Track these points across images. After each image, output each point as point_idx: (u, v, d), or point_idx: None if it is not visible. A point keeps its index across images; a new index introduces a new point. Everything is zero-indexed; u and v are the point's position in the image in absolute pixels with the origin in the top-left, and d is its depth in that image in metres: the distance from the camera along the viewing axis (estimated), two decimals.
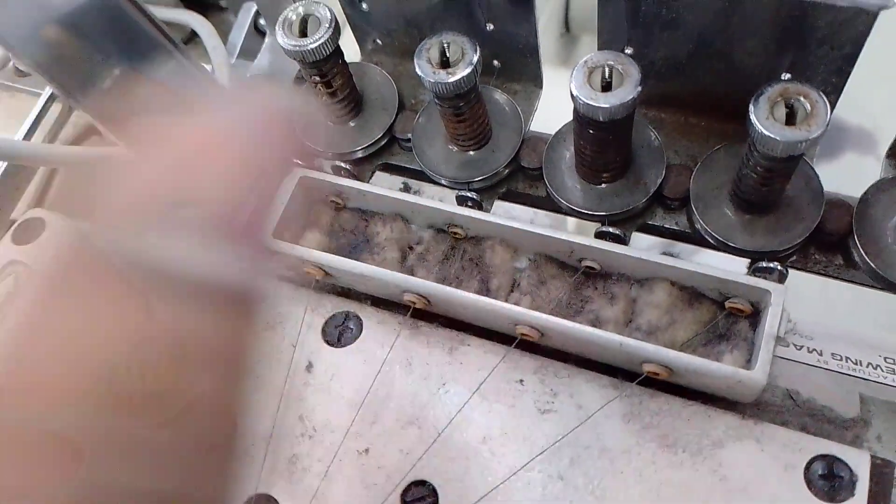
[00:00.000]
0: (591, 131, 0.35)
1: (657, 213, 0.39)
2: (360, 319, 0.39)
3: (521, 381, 0.36)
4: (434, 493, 0.35)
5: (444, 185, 0.41)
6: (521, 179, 0.41)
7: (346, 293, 0.41)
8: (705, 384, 0.34)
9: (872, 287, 0.36)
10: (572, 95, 0.33)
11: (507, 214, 0.38)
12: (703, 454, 0.33)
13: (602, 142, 0.35)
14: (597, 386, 0.36)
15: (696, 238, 0.38)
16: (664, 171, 0.38)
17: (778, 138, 0.30)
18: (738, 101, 0.32)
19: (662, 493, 0.33)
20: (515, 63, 0.42)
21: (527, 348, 0.37)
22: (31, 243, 0.45)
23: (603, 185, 0.38)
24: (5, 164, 0.45)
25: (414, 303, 0.37)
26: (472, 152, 0.40)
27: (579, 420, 0.35)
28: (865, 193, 0.36)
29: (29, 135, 0.47)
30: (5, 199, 0.47)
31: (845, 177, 0.39)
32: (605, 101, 0.32)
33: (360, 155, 0.43)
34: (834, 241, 0.36)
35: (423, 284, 0.36)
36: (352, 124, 0.43)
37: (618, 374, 0.36)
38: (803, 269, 0.37)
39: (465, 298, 0.35)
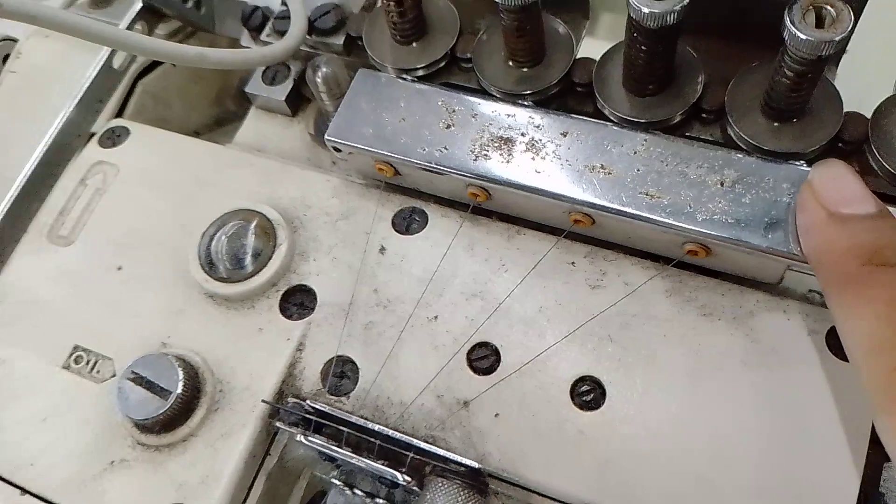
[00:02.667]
0: (642, 40, 0.39)
1: (694, 125, 0.44)
2: (426, 213, 0.44)
3: (573, 262, 0.41)
4: (496, 352, 0.39)
5: (499, 99, 0.45)
6: (571, 96, 0.46)
7: (410, 193, 0.45)
8: (739, 263, 0.38)
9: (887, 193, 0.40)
10: (629, 2, 0.37)
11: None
12: (737, 321, 0.38)
13: (651, 51, 0.40)
14: (640, 267, 0.40)
15: (728, 146, 0.43)
16: (701, 87, 0.43)
17: (809, 38, 0.35)
18: (766, 28, 0.37)
19: (702, 353, 0.37)
20: None
21: (576, 239, 0.42)
22: (117, 147, 0.49)
23: (647, 98, 0.43)
24: (96, 71, 0.49)
25: (477, 195, 0.42)
26: (527, 69, 0.45)
27: (626, 293, 0.39)
28: (880, 106, 0.41)
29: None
30: (89, 112, 0.51)
31: (862, 96, 0.44)
32: (658, 7, 0.37)
33: (421, 73, 0.47)
34: (851, 150, 0.41)
35: (491, 173, 0.40)
36: (415, 45, 0.47)
37: (659, 260, 0.41)
38: None
39: (527, 185, 0.39)
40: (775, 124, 0.41)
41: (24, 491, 0.41)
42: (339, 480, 0.42)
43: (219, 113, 0.61)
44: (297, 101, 0.52)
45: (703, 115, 0.43)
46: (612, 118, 0.43)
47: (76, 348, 0.43)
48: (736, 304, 0.38)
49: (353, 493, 0.39)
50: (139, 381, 0.39)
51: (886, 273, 0.30)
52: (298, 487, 0.44)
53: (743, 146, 0.41)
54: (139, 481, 0.39)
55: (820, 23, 0.36)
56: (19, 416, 0.42)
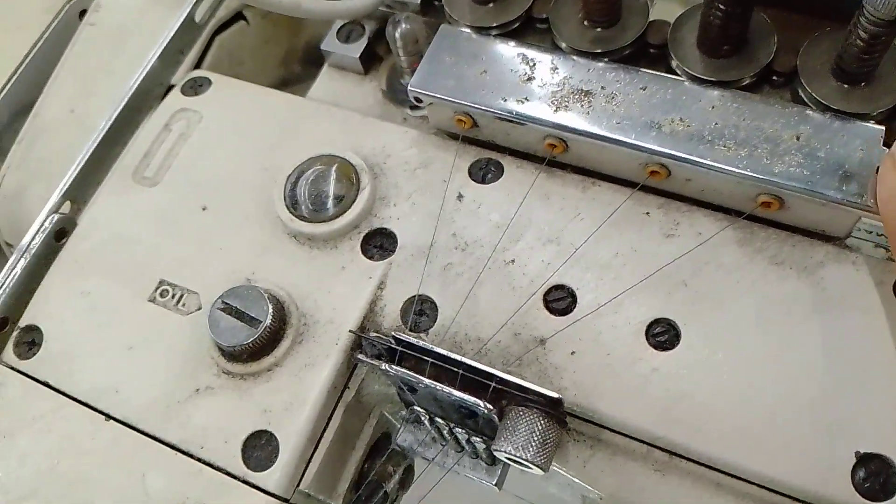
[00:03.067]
0: (721, 2, 0.41)
1: (764, 88, 0.45)
2: (501, 164, 0.45)
3: (647, 213, 0.42)
4: (572, 294, 0.41)
5: (574, 59, 0.47)
6: (644, 57, 0.47)
7: (486, 145, 0.46)
8: (810, 215, 0.40)
9: None
10: None
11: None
12: (807, 271, 0.39)
13: (729, 13, 0.41)
14: (713, 219, 0.42)
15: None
16: (774, 50, 0.44)
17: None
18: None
19: (773, 300, 0.39)
20: None
21: (649, 191, 0.43)
22: (199, 95, 0.51)
23: (721, 59, 0.44)
24: (179, 23, 0.51)
25: (554, 146, 0.43)
26: (601, 29, 0.46)
27: (699, 242, 0.41)
28: None
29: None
30: (170, 63, 0.53)
31: None
32: None
33: (496, 32, 0.49)
34: None
35: (571, 123, 0.42)
36: (492, 5, 0.49)
37: (730, 213, 0.42)
38: (890, 137, 0.43)
39: (607, 136, 0.41)
40: (845, 86, 0.42)
41: (108, 416, 0.42)
42: (407, 419, 0.44)
43: (285, 74, 0.63)
44: (370, 59, 0.54)
45: (774, 78, 0.45)
46: (685, 78, 0.45)
47: (162, 282, 0.45)
48: (805, 255, 0.40)
49: (429, 422, 0.41)
50: (229, 310, 0.41)
51: None
52: (369, 424, 0.46)
53: (814, 105, 0.43)
54: (225, 406, 0.41)
55: None
56: (104, 345, 0.44)
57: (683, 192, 0.43)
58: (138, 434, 0.41)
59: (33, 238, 0.47)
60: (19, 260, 0.47)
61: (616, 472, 0.39)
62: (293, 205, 0.44)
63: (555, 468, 0.41)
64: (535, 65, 0.44)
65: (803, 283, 0.39)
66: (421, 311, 0.42)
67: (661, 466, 0.39)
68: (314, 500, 0.43)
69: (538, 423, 0.37)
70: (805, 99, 0.43)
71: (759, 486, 0.37)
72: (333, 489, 0.45)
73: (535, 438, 0.36)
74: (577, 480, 0.41)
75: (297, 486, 0.40)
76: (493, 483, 0.44)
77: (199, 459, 0.40)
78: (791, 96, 0.45)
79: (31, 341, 0.45)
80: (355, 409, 0.44)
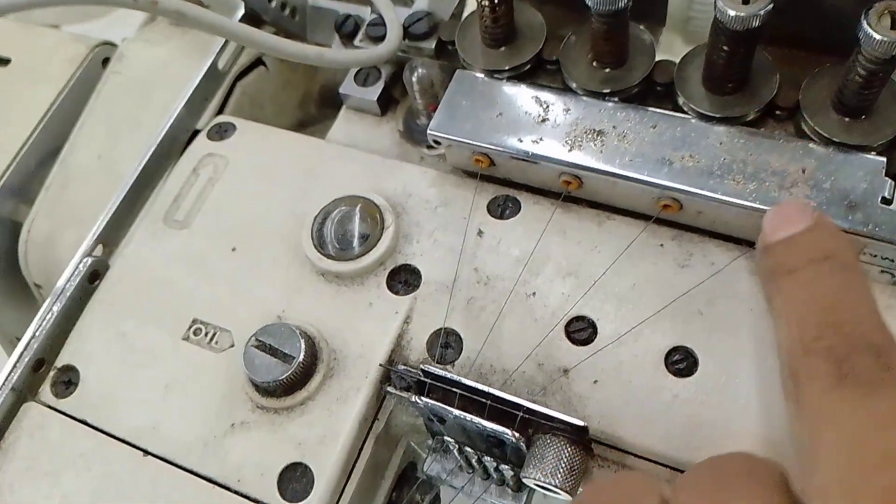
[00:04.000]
0: (725, 41, 0.43)
1: (767, 122, 0.47)
2: (518, 201, 0.47)
3: (661, 244, 0.44)
4: (593, 325, 0.42)
5: (586, 100, 0.49)
6: (651, 96, 0.49)
7: (503, 182, 0.48)
8: None
9: None
10: (716, 5, 0.41)
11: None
12: None
13: (733, 52, 0.44)
14: (724, 249, 0.44)
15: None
16: (776, 86, 0.46)
17: (884, 39, 0.39)
18: (832, 37, 0.41)
19: None
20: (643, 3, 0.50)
21: (663, 223, 0.45)
22: (224, 140, 0.53)
23: (726, 96, 0.47)
24: (204, 71, 0.53)
25: (569, 183, 0.45)
26: (610, 70, 0.49)
27: (712, 273, 0.43)
28: None
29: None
30: (196, 110, 0.55)
31: None
32: (744, 11, 0.41)
33: (508, 74, 0.51)
34: None
35: (585, 161, 0.44)
36: (503, 49, 0.51)
37: (741, 242, 0.44)
38: (891, 167, 0.45)
39: (620, 173, 0.43)
40: (846, 120, 0.45)
41: (146, 453, 0.44)
42: (434, 448, 0.45)
43: (302, 116, 0.65)
44: (387, 101, 0.56)
45: (777, 113, 0.47)
46: (691, 115, 0.47)
47: (195, 321, 0.47)
48: None
49: (457, 452, 0.42)
50: (263, 347, 0.42)
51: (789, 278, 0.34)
52: (396, 454, 0.48)
53: (816, 139, 0.45)
54: (260, 441, 0.43)
55: (894, 25, 0.39)
56: (141, 383, 0.46)
57: (695, 224, 0.45)
58: (177, 469, 0.43)
59: (68, 280, 0.49)
60: (55, 302, 0.48)
61: None
62: (320, 244, 0.46)
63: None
64: (548, 107, 0.46)
65: None
66: (447, 343, 0.44)
67: None
68: None
69: (565, 451, 0.38)
70: (808, 132, 0.45)
71: None
72: None
73: (563, 465, 0.38)
74: None
75: None
76: None
77: (236, 492, 0.42)
78: (794, 130, 0.47)
79: (67, 381, 0.47)
80: (384, 439, 0.45)
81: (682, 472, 0.40)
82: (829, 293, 0.32)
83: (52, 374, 0.47)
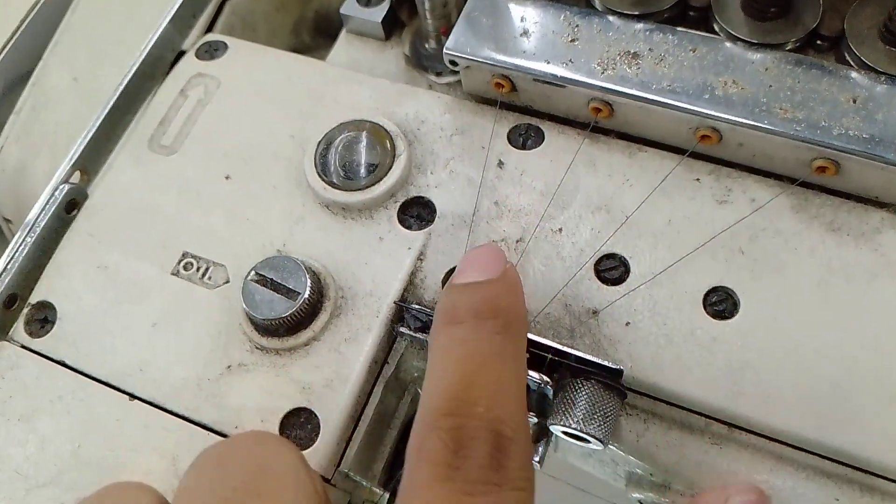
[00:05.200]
0: None
1: (808, 53, 0.44)
2: (542, 130, 0.44)
3: (698, 179, 0.41)
4: (625, 263, 0.39)
5: (619, 20, 0.45)
6: (684, 21, 0.46)
7: (525, 111, 0.45)
8: (866, 180, 0.38)
9: None
10: None
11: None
12: (864, 237, 0.38)
13: None
14: (765, 185, 0.40)
15: None
16: (820, 13, 0.43)
17: None
18: None
19: (833, 266, 0.38)
20: None
21: (698, 158, 0.42)
22: (215, 60, 0.48)
23: (767, 22, 0.43)
24: None
25: (599, 110, 0.41)
26: None
27: (753, 209, 0.39)
28: None
29: None
30: (182, 27, 0.50)
31: None
32: None
33: None
34: None
35: (619, 86, 0.40)
36: None
37: (782, 179, 0.41)
38: None
39: (658, 99, 0.39)
40: (893, 50, 0.41)
41: (132, 396, 0.40)
42: None
43: (295, 43, 0.61)
44: (392, 23, 0.52)
45: (819, 42, 0.44)
46: (731, 39, 0.43)
47: (185, 255, 0.42)
48: (861, 221, 0.39)
49: None
50: (264, 282, 0.39)
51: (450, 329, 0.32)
52: (404, 402, 0.44)
53: (862, 68, 0.42)
54: (260, 384, 0.39)
55: None
56: (124, 321, 0.42)
57: (734, 159, 0.41)
58: (167, 415, 0.39)
59: (43, 209, 0.44)
60: (28, 233, 0.44)
61: (671, 446, 0.38)
62: (324, 172, 0.42)
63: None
64: (577, 26, 0.42)
65: (862, 249, 0.38)
66: None
67: (718, 440, 0.38)
68: (352, 481, 0.41)
69: (598, 395, 0.35)
70: (853, 63, 0.42)
71: (822, 457, 0.36)
72: (370, 470, 0.43)
73: (597, 411, 0.35)
74: (623, 453, 0.40)
75: (338, 466, 0.38)
76: (536, 460, 0.42)
77: None
78: (836, 60, 0.43)
79: (43, 319, 0.43)
80: (393, 385, 0.42)
81: (719, 421, 0.37)
82: (478, 360, 0.30)
83: (25, 311, 0.43)
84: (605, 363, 0.35)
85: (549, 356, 0.36)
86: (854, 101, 0.39)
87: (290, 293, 0.38)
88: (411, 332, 0.39)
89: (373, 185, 0.42)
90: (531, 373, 0.36)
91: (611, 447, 0.40)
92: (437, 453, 0.28)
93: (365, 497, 0.45)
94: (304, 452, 0.37)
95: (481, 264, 0.34)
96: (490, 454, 0.28)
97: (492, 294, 0.33)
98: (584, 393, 0.35)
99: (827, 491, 0.36)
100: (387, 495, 0.46)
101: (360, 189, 0.42)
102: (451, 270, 0.40)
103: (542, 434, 0.42)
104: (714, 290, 0.38)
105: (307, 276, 0.38)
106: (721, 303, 0.38)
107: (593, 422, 0.35)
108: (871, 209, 0.40)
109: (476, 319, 0.32)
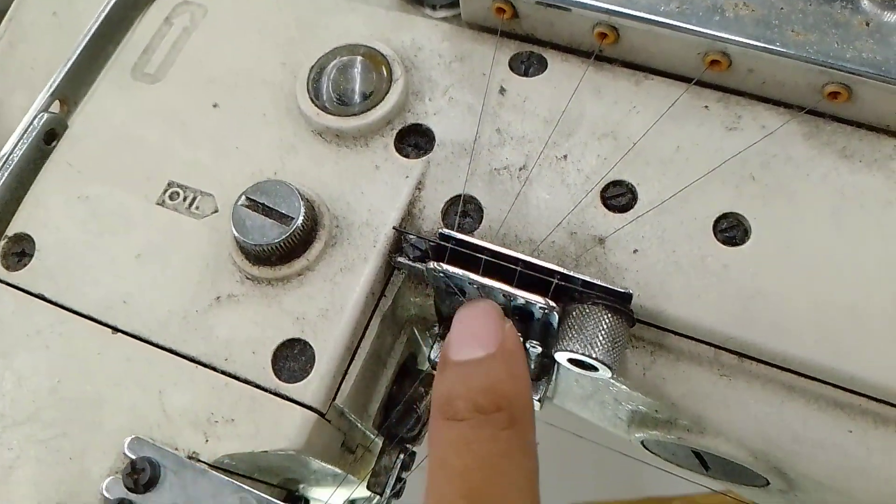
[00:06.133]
0: None
1: None
2: (544, 58, 0.42)
3: (707, 106, 0.40)
4: (632, 190, 0.38)
5: None
6: None
7: (526, 39, 0.43)
8: (879, 107, 0.37)
9: None
10: None
11: None
12: (877, 164, 0.37)
13: None
14: (776, 112, 0.39)
15: None
16: None
17: None
18: None
19: (846, 192, 0.37)
20: None
21: (706, 86, 0.40)
22: None
23: None
24: None
25: (605, 35, 0.40)
26: None
27: (763, 135, 0.38)
28: None
29: None
30: None
31: None
32: None
33: None
34: None
35: (627, 6, 0.38)
36: None
37: (792, 107, 0.40)
38: None
39: (667, 22, 0.38)
40: None
41: (115, 330, 0.38)
42: (441, 335, 0.40)
43: None
44: None
45: None
46: None
47: (171, 184, 0.40)
48: (874, 148, 0.38)
49: None
50: (256, 207, 0.37)
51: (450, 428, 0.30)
52: (400, 342, 0.43)
53: None
54: (251, 315, 0.37)
55: None
56: (107, 253, 0.40)
57: (743, 87, 0.40)
58: (152, 348, 0.37)
59: (20, 139, 0.42)
60: (5, 164, 0.42)
61: (678, 379, 0.37)
62: (317, 98, 0.40)
63: (609, 381, 0.39)
64: None
65: (876, 176, 0.37)
66: (465, 211, 0.39)
67: (728, 371, 0.36)
68: (346, 419, 0.39)
69: (606, 320, 0.34)
70: None
71: (836, 386, 0.35)
72: (365, 409, 0.41)
73: (605, 336, 0.33)
74: (628, 389, 0.38)
75: (333, 400, 0.37)
76: (536, 399, 0.41)
77: (224, 373, 0.36)
78: None
79: (20, 252, 0.41)
80: (390, 321, 0.40)
81: (728, 351, 0.36)
82: (485, 471, 0.28)
83: (2, 244, 0.41)
84: (614, 287, 0.34)
85: (556, 281, 0.34)
86: (867, 25, 0.38)
87: (283, 218, 0.36)
88: (410, 263, 0.37)
89: (368, 111, 0.40)
90: (536, 297, 0.34)
91: (614, 382, 0.39)
92: None
93: (358, 441, 0.43)
94: (298, 385, 0.36)
95: (476, 333, 0.31)
96: None
97: (493, 379, 0.30)
98: (592, 318, 0.34)
99: (840, 423, 0.35)
100: (380, 442, 0.44)
101: (354, 115, 0.40)
102: (452, 199, 0.39)
103: (543, 371, 0.40)
104: (724, 216, 0.37)
105: (301, 200, 0.37)
106: (732, 229, 0.37)
107: (602, 347, 0.33)
108: (884, 137, 0.38)
109: (477, 415, 0.29)
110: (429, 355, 0.41)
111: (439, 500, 0.28)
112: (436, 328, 0.41)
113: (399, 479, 0.45)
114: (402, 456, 0.44)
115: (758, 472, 0.39)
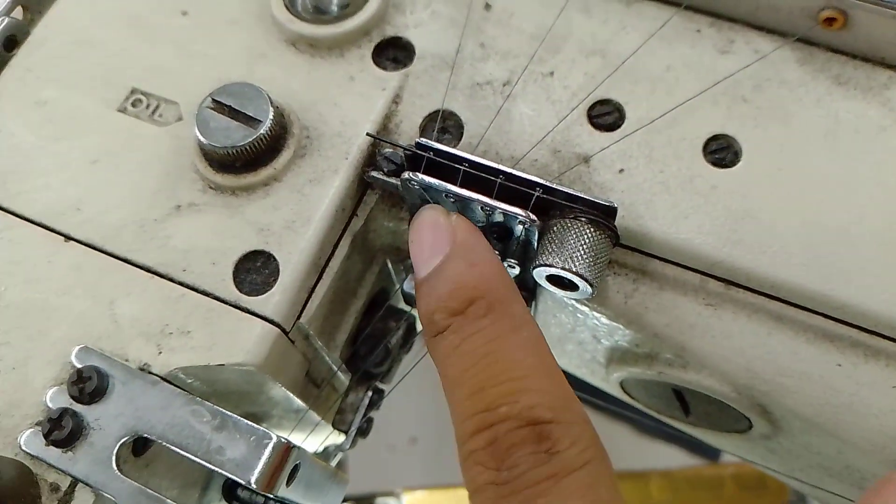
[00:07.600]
0: None
1: None
2: None
3: (699, 30, 0.38)
4: (619, 109, 0.36)
5: None
6: None
7: None
8: (874, 36, 0.36)
9: None
10: None
11: None
12: (872, 92, 0.36)
13: None
14: (769, 38, 0.38)
15: None
16: None
17: None
18: None
19: (840, 117, 0.35)
20: None
21: (698, 11, 0.39)
22: None
23: None
24: None
25: None
26: None
27: (757, 58, 0.37)
28: None
29: None
30: None
31: None
32: None
33: None
34: None
35: None
36: None
37: (786, 35, 0.38)
38: None
39: None
40: None
41: (67, 238, 0.36)
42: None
43: None
44: None
45: None
46: None
47: (133, 91, 0.38)
48: (869, 77, 0.36)
49: None
50: (221, 109, 0.34)
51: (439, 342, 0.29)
52: (371, 272, 0.41)
53: None
54: (212, 225, 0.35)
55: None
56: (62, 159, 0.37)
57: (735, 13, 0.38)
58: (105, 256, 0.35)
59: None
60: None
61: (662, 308, 0.35)
62: (291, 4, 0.38)
63: (586, 309, 0.37)
64: None
65: (871, 103, 0.36)
66: (444, 127, 0.37)
67: (714, 300, 0.35)
68: (312, 346, 0.37)
69: (587, 233, 0.32)
70: None
71: (826, 316, 0.33)
72: (332, 339, 0.39)
73: (587, 250, 0.32)
74: (607, 320, 0.37)
75: (298, 319, 0.34)
76: None
77: (180, 283, 0.34)
78: None
79: None
80: (361, 246, 0.38)
81: (715, 277, 0.34)
82: (480, 361, 0.28)
83: None
84: (598, 199, 0.32)
85: (537, 194, 0.32)
86: None
87: (249, 121, 0.34)
88: (384, 177, 0.35)
89: (345, 19, 0.38)
90: (517, 209, 0.32)
91: (594, 313, 0.37)
92: (481, 481, 0.26)
93: (324, 375, 0.41)
94: (260, 298, 0.33)
95: (428, 243, 0.31)
96: (532, 452, 0.25)
97: (455, 278, 0.29)
98: (573, 231, 0.32)
99: (829, 357, 0.34)
100: (347, 380, 0.42)
101: (330, 23, 0.38)
102: (431, 115, 0.37)
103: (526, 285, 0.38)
104: (715, 137, 0.35)
105: (270, 104, 0.34)
106: (722, 150, 0.35)
107: (582, 261, 0.31)
108: (879, 68, 0.37)
109: (455, 319, 0.28)
110: (402, 287, 0.39)
111: (454, 405, 0.28)
112: (409, 260, 0.39)
113: (366, 418, 0.43)
114: (370, 393, 0.42)
115: (741, 412, 0.37)
